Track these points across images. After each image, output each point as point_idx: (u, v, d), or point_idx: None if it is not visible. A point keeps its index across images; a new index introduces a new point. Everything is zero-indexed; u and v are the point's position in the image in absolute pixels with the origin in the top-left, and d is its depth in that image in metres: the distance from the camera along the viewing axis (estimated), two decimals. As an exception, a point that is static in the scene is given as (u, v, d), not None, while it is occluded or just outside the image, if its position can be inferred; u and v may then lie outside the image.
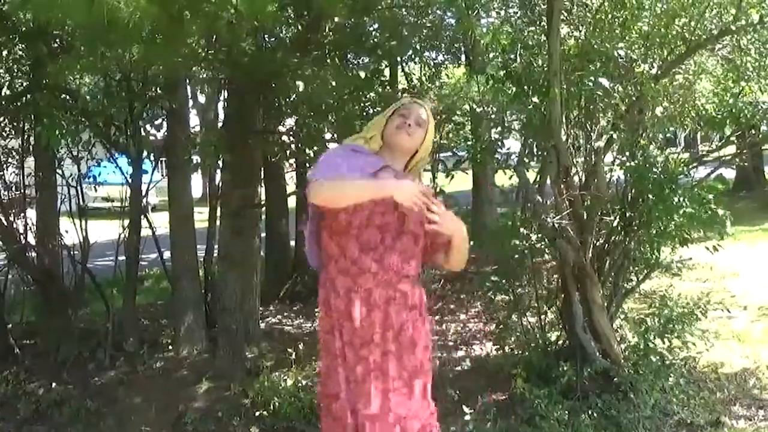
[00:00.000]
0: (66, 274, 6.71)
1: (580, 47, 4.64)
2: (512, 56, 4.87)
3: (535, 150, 6.51)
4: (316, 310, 4.97)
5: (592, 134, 4.88)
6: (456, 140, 9.75)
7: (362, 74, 6.17)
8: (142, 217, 6.56)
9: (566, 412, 4.42)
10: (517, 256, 5.16)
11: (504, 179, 5.89)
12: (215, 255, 6.81)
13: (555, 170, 4.61)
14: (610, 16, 4.73)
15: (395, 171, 2.87)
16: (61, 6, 3.36)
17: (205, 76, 5.85)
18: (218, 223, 6.64)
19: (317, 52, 5.47)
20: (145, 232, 6.67)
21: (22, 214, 6.51)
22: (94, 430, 4.96)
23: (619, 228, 4.77)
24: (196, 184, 11.98)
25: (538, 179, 6.04)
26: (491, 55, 5.91)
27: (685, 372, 5.01)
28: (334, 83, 5.25)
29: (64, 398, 5.26)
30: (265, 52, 5.43)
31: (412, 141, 2.88)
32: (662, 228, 4.36)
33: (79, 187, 6.89)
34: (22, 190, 6.71)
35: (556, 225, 4.45)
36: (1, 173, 6.58)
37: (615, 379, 4.59)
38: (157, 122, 6.86)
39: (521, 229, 5.05)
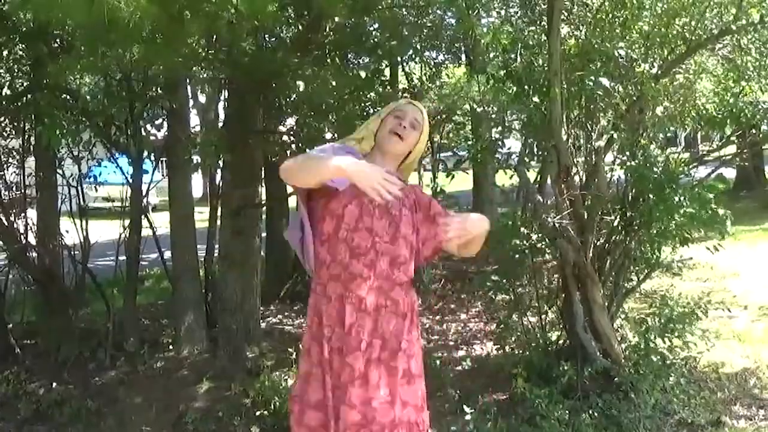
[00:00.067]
0: (66, 274, 6.71)
1: (581, 47, 4.63)
2: (513, 56, 4.87)
3: (535, 150, 6.52)
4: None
5: (592, 134, 4.88)
6: (456, 140, 9.79)
7: (362, 74, 6.17)
8: (143, 217, 6.56)
9: (567, 411, 4.42)
10: (517, 255, 5.16)
11: (504, 179, 5.89)
12: (216, 255, 6.82)
13: (555, 170, 4.61)
14: (610, 15, 4.72)
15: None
16: (61, 6, 3.36)
17: (205, 75, 5.85)
18: (219, 222, 6.65)
19: (317, 51, 5.47)
20: (146, 232, 6.67)
21: (23, 214, 6.51)
22: (95, 430, 4.96)
23: (620, 228, 4.77)
24: (197, 184, 11.97)
25: (538, 179, 6.07)
26: (491, 55, 5.89)
27: (685, 372, 5.01)
28: (334, 83, 5.24)
29: (65, 398, 5.26)
30: (265, 51, 5.44)
31: (404, 146, 2.85)
32: (663, 228, 4.36)
33: (79, 187, 6.88)
34: (23, 190, 6.70)
35: (557, 225, 4.45)
36: (2, 173, 6.58)
37: (616, 378, 4.59)
38: (157, 122, 6.87)
39: (522, 229, 5.05)
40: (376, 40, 6.06)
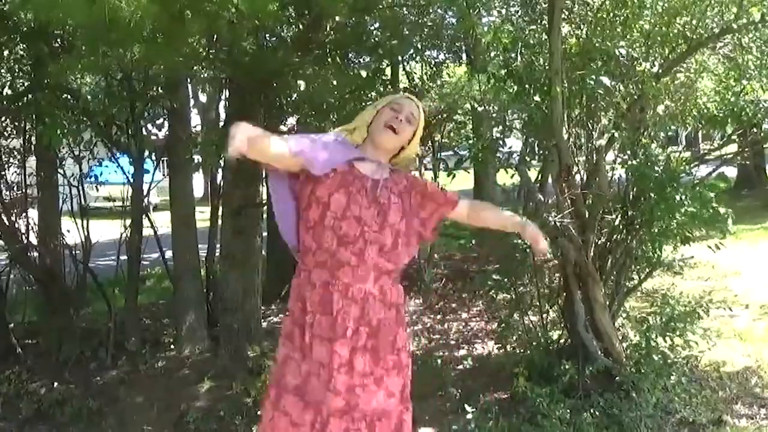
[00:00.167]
0: (68, 273, 6.72)
1: (582, 46, 4.63)
2: (513, 55, 4.86)
3: (536, 149, 6.50)
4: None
5: (593, 133, 4.88)
6: (457, 139, 9.76)
7: (363, 73, 6.18)
8: (144, 216, 6.57)
9: (568, 410, 4.42)
10: (518, 254, 5.16)
11: (506, 178, 5.90)
12: (217, 254, 6.82)
13: (557, 169, 4.61)
14: (611, 14, 4.72)
15: (375, 162, 2.81)
16: (62, 5, 3.37)
17: (206, 75, 5.86)
18: (220, 222, 6.65)
19: (318, 51, 5.47)
20: (147, 231, 6.68)
21: (24, 214, 6.51)
22: (96, 430, 4.97)
23: (621, 227, 4.77)
24: (198, 184, 11.97)
25: (539, 178, 6.06)
26: (492, 54, 5.88)
27: (687, 371, 5.00)
28: (335, 82, 5.25)
29: (66, 398, 5.27)
30: (266, 51, 5.44)
31: (397, 140, 2.84)
32: (664, 226, 4.35)
33: (80, 187, 6.89)
34: (24, 190, 6.70)
35: (558, 224, 4.45)
36: (3, 173, 6.58)
37: (617, 377, 4.59)
38: (158, 122, 6.88)
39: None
40: (376, 39, 6.06)
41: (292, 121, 6.39)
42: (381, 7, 5.80)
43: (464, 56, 9.26)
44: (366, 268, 2.67)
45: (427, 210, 2.93)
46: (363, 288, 2.68)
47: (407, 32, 6.56)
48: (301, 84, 5.31)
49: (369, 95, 5.73)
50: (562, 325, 5.27)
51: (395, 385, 2.75)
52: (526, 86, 4.71)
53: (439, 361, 5.73)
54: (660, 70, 4.63)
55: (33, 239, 6.53)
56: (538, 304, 5.38)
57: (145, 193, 6.58)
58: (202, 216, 7.55)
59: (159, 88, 6.28)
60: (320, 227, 2.67)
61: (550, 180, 4.94)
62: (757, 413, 4.61)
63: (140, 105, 6.32)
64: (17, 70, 6.26)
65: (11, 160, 6.75)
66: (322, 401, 2.62)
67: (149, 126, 6.84)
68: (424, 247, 8.35)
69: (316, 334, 2.66)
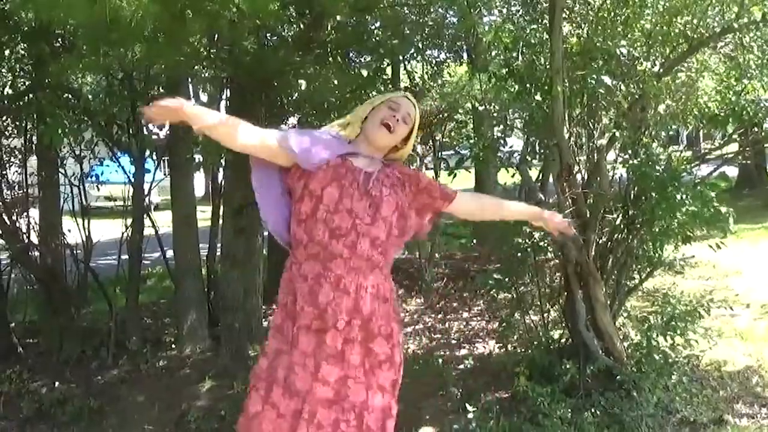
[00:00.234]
0: (69, 273, 6.73)
1: (583, 45, 4.63)
2: (514, 54, 4.87)
3: (537, 148, 6.51)
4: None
5: (594, 132, 4.87)
6: (458, 138, 9.76)
7: (364, 73, 6.18)
8: (145, 216, 6.57)
9: (569, 410, 4.42)
10: (520, 254, 5.16)
11: (506, 177, 5.89)
12: (218, 254, 6.82)
13: (558, 168, 4.60)
14: (612, 14, 4.72)
15: (367, 157, 2.82)
16: (63, 5, 3.37)
17: (207, 74, 5.86)
18: (221, 221, 6.65)
19: (319, 50, 5.47)
20: (148, 231, 6.68)
21: (25, 214, 6.51)
22: (97, 429, 4.97)
23: (622, 226, 4.77)
24: (199, 183, 11.98)
25: (540, 177, 6.07)
26: (493, 53, 5.89)
27: (688, 370, 5.00)
28: (336, 82, 5.25)
29: (67, 397, 5.27)
30: (267, 50, 5.44)
31: (392, 138, 2.85)
32: (665, 226, 4.35)
33: (81, 186, 6.90)
34: (25, 190, 6.71)
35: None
36: (4, 172, 6.59)
37: (618, 377, 4.59)
38: (159, 121, 6.86)
39: (524, 227, 5.04)
40: (377, 38, 6.06)
41: (293, 120, 6.39)
42: (382, 6, 5.80)
43: (465, 55, 9.26)
44: (358, 261, 2.67)
45: (421, 203, 2.92)
46: (355, 280, 2.67)
47: (408, 31, 6.56)
48: (302, 83, 5.31)
49: (370, 94, 5.72)
50: (563, 324, 5.27)
51: (386, 378, 2.75)
52: (527, 85, 4.71)
53: (440, 360, 5.74)
54: (661, 70, 4.62)
55: (34, 239, 6.53)
56: (539, 303, 5.38)
57: (146, 192, 6.58)
58: (203, 215, 7.54)
59: (160, 88, 6.27)
60: (312, 220, 2.67)
61: (551, 179, 4.94)
62: (758, 412, 4.61)
63: (141, 104, 6.28)
64: (18, 70, 6.26)
65: (12, 159, 6.75)
66: (309, 391, 2.62)
67: (150, 125, 6.84)
68: (423, 245, 8.37)
69: (303, 325, 2.66)
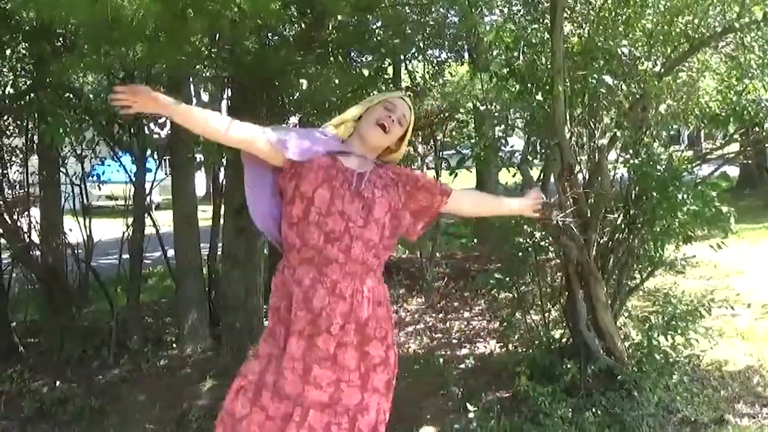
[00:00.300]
0: (70, 272, 6.73)
1: (584, 45, 4.63)
2: (516, 54, 4.87)
3: (538, 148, 6.50)
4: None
5: (595, 132, 4.87)
6: (459, 138, 9.76)
7: (365, 72, 6.17)
8: (146, 215, 6.57)
9: (570, 409, 4.42)
10: (521, 253, 5.16)
11: (508, 177, 5.89)
12: (219, 253, 6.82)
13: (559, 168, 4.60)
14: (613, 13, 4.72)
15: (359, 156, 2.80)
16: (64, 4, 3.36)
17: (208, 74, 5.85)
18: (222, 221, 6.65)
19: (320, 50, 5.47)
20: (149, 230, 6.69)
21: (26, 213, 6.51)
22: (98, 428, 4.98)
23: (623, 226, 4.76)
24: (200, 183, 12.00)
25: (541, 177, 6.06)
26: (494, 53, 5.89)
27: (688, 370, 5.00)
28: (337, 81, 5.25)
29: (68, 396, 5.28)
30: (268, 50, 5.44)
31: (386, 139, 2.83)
32: (666, 225, 4.35)
33: (82, 186, 6.90)
34: (26, 189, 6.71)
35: (560, 223, 4.44)
36: (5, 172, 6.59)
37: (619, 376, 4.59)
38: (160, 120, 6.87)
39: (525, 227, 5.05)
40: (379, 38, 6.06)
41: (294, 120, 6.39)
42: (383, 6, 5.80)
43: (466, 55, 9.27)
44: (354, 265, 2.65)
45: (419, 203, 2.90)
46: (351, 285, 2.65)
47: (409, 31, 6.56)
48: (304, 83, 5.31)
49: (371, 94, 5.72)
50: (564, 324, 5.27)
51: (380, 380, 2.74)
52: (529, 85, 4.71)
53: (441, 360, 5.74)
54: (662, 69, 4.62)
55: (35, 238, 6.53)
56: (540, 303, 5.38)
57: (147, 191, 6.59)
58: (204, 215, 7.55)
59: (161, 87, 6.27)
60: (304, 223, 2.65)
61: (552, 179, 4.94)
62: (759, 412, 4.61)
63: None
64: (19, 69, 6.26)
65: (13, 158, 6.75)
66: (300, 394, 2.62)
67: (151, 125, 6.84)
68: (424, 245, 8.37)
69: (295, 330, 2.64)
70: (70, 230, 6.79)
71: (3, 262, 6.53)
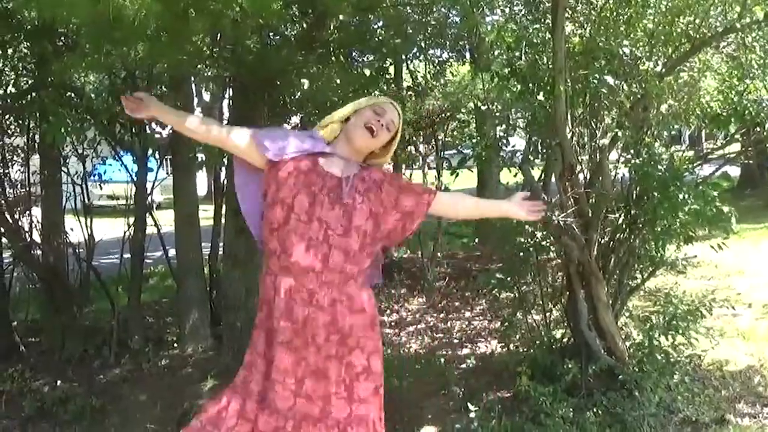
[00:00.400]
0: (71, 271, 6.72)
1: (585, 45, 4.63)
2: (517, 54, 4.86)
3: (539, 147, 6.50)
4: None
5: (597, 132, 4.87)
6: (461, 138, 9.77)
7: (367, 72, 6.17)
8: (147, 214, 6.57)
9: (571, 409, 4.42)
10: (522, 253, 5.16)
11: (509, 177, 5.88)
12: (220, 253, 6.83)
13: (560, 168, 4.60)
14: (614, 13, 4.72)
15: (343, 159, 2.79)
16: (66, 4, 3.36)
17: (209, 73, 5.85)
18: (223, 221, 6.66)
19: (322, 49, 5.47)
20: (150, 230, 6.69)
21: (28, 212, 6.52)
22: (99, 428, 4.98)
23: (624, 225, 4.76)
24: (201, 182, 12.00)
25: (542, 177, 6.05)
26: (496, 53, 5.89)
27: (689, 370, 5.00)
28: (338, 81, 5.25)
29: (69, 396, 5.28)
30: (269, 49, 5.43)
31: (373, 143, 2.82)
32: (667, 225, 4.35)
33: (84, 185, 6.90)
34: (28, 188, 6.71)
35: (561, 223, 4.45)
36: (7, 171, 6.59)
37: (620, 376, 4.59)
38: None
39: (526, 227, 5.04)
40: (380, 38, 6.06)
41: (295, 119, 6.39)
42: (385, 5, 5.80)
43: (468, 55, 9.28)
44: (331, 275, 2.63)
45: (406, 204, 2.83)
46: (329, 294, 2.63)
47: (411, 31, 6.56)
48: (305, 82, 5.31)
49: (372, 94, 5.72)
50: (565, 324, 5.27)
51: (366, 389, 2.72)
52: (530, 85, 4.70)
53: (442, 359, 5.74)
54: (663, 69, 4.62)
55: (36, 237, 6.54)
56: (541, 303, 5.39)
57: (148, 191, 6.59)
58: (206, 214, 7.55)
59: (163, 87, 6.28)
60: (284, 230, 2.64)
61: (553, 179, 4.94)
62: (760, 412, 4.61)
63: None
64: (21, 69, 6.27)
65: (15, 158, 6.76)
66: (291, 407, 2.61)
67: (153, 124, 6.84)
68: (425, 245, 8.37)
69: (282, 342, 2.63)
70: (72, 230, 6.79)
71: (4, 262, 6.53)
